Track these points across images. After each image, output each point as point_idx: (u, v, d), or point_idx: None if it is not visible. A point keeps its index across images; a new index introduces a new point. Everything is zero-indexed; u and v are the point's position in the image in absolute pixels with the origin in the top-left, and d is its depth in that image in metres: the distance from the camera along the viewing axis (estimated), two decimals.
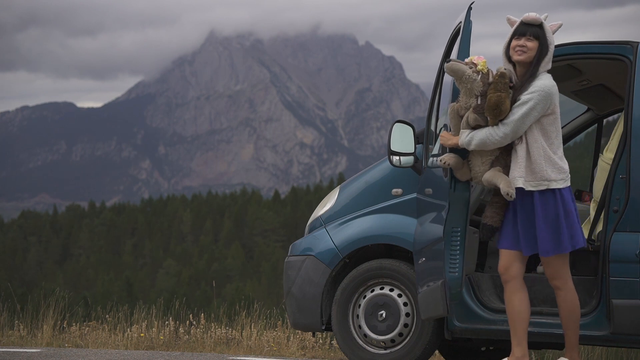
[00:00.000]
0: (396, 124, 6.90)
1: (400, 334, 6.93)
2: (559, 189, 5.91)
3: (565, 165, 5.97)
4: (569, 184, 5.97)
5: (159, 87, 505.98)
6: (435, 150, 6.54)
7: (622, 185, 6.41)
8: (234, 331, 10.29)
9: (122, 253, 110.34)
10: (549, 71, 6.04)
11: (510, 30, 6.06)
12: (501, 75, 5.91)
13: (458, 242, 6.08)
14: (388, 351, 6.95)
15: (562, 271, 6.03)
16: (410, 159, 6.87)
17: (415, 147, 6.85)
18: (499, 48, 6.37)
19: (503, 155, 6.06)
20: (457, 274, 6.09)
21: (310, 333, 9.47)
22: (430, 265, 6.34)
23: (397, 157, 6.87)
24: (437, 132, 6.56)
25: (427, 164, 6.67)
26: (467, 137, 5.97)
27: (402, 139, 6.83)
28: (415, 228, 6.83)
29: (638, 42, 6.56)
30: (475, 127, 6.00)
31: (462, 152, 6.10)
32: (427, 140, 6.67)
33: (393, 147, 6.81)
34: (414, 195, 6.95)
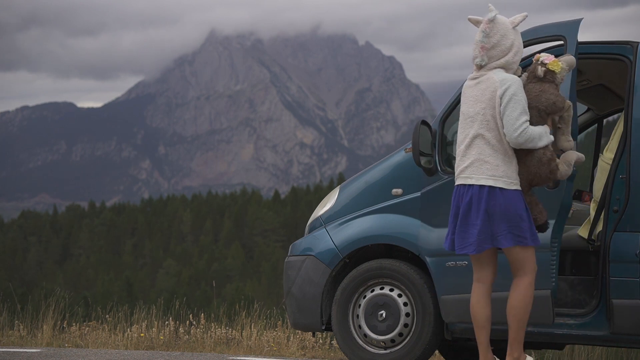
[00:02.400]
0: (421, 125, 6.85)
1: (400, 334, 6.93)
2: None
3: (457, 163, 5.88)
4: (456, 183, 5.83)
5: (159, 87, 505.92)
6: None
7: (622, 185, 6.41)
8: (234, 331, 10.28)
9: (122, 253, 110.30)
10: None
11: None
12: None
13: (555, 253, 6.21)
14: (388, 351, 6.95)
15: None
16: (428, 159, 6.85)
17: (432, 149, 6.85)
18: None
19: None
20: (555, 283, 6.19)
21: (310, 333, 9.47)
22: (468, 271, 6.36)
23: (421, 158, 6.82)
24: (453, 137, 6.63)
25: (441, 167, 6.71)
26: None
27: (423, 141, 6.81)
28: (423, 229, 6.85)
29: (638, 42, 6.57)
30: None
31: None
32: (440, 143, 6.70)
33: (421, 148, 6.76)
34: (414, 195, 6.95)
